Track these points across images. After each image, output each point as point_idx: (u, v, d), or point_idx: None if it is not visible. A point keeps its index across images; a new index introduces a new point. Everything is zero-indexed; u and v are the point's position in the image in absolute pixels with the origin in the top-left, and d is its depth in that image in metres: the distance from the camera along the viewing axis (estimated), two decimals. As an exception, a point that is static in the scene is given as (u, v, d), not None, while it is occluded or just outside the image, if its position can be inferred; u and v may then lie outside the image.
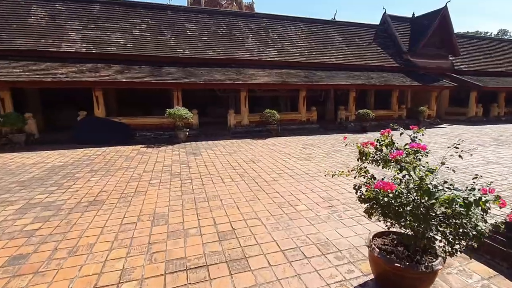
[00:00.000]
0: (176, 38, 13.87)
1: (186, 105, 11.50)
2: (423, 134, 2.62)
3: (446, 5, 17.08)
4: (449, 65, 18.56)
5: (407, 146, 2.35)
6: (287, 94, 16.09)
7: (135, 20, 13.88)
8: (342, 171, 2.56)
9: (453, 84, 16.69)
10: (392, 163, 2.29)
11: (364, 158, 2.35)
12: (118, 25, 13.38)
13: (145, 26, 13.85)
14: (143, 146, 9.75)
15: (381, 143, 2.42)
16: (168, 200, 4.69)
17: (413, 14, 19.51)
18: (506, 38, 26.08)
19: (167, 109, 10.19)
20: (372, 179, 2.41)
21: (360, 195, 2.42)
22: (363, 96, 16.31)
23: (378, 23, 19.60)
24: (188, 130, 10.65)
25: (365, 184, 2.42)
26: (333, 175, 2.49)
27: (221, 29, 15.06)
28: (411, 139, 2.58)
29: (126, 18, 13.78)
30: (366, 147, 2.36)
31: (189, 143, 10.27)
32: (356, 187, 2.43)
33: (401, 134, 2.62)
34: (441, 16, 17.17)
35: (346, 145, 2.99)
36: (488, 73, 19.40)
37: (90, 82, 10.46)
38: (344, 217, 4.03)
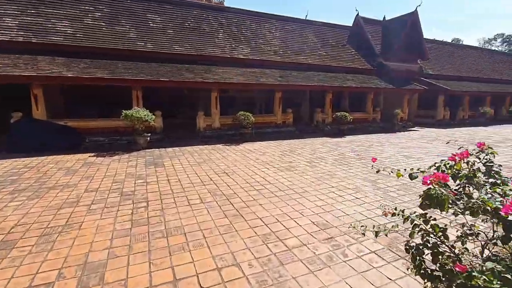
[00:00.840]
0: (137, 30, 12.26)
1: (149, 105, 10.02)
2: (495, 156, 1.70)
3: (416, 9, 17.30)
4: (418, 69, 18.91)
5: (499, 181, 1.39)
6: (261, 95, 15.14)
7: (86, 7, 12.02)
8: (391, 227, 1.52)
9: (424, 87, 16.92)
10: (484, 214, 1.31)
11: (436, 206, 1.35)
12: (65, 12, 11.45)
13: (99, 14, 12.05)
14: (92, 154, 8.12)
15: (455, 174, 1.44)
16: (110, 237, 3.40)
17: (384, 17, 19.61)
18: (467, 45, 27.69)
19: (123, 111, 8.64)
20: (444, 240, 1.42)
21: (419, 262, 1.41)
22: (337, 99, 15.86)
23: (350, 24, 19.44)
24: (149, 134, 9.17)
25: (427, 244, 1.43)
26: (376, 235, 1.46)
27: (189, 22, 13.69)
28: (483, 164, 1.64)
29: (75, 4, 11.87)
30: (437, 185, 1.36)
31: (150, 150, 8.83)
32: (413, 250, 1.42)
33: (476, 164, 1.67)
34: (412, 20, 17.34)
35: (378, 171, 1.97)
36: (452, 78, 20.12)
37: (25, 77, 8.58)
38: (351, 255, 3.06)
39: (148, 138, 9.10)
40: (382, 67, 17.27)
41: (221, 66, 12.53)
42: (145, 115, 8.61)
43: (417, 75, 18.66)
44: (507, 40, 64.42)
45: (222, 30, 14.26)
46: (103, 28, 11.69)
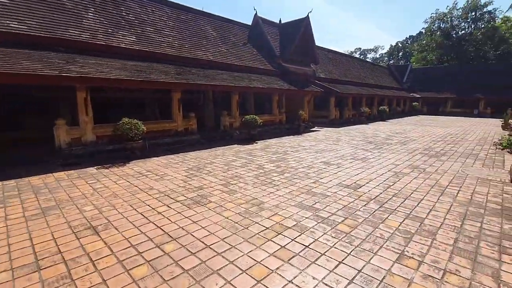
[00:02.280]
0: None
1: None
2: None
3: (308, 15, 18.02)
4: (312, 72, 19.99)
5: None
6: (154, 96, 12.33)
7: None
8: None
9: (321, 90, 17.83)
10: None
11: None
12: None
13: None
14: None
15: None
16: None
17: (280, 20, 19.86)
18: (348, 54, 31.99)
19: None
20: None
21: None
22: (241, 100, 14.73)
23: (249, 23, 18.76)
24: None
25: None
26: None
27: (36, -9, 9.55)
28: None
29: None
30: None
31: (-50, 192, 5.06)
32: None
33: None
34: (305, 26, 17.98)
35: None
36: (339, 81, 22.39)
37: None
38: None
39: None
40: (282, 69, 17.25)
41: (92, 56, 9.18)
42: None
43: (312, 78, 19.71)
44: (363, 53, 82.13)
45: (93, 9, 10.68)
46: None
